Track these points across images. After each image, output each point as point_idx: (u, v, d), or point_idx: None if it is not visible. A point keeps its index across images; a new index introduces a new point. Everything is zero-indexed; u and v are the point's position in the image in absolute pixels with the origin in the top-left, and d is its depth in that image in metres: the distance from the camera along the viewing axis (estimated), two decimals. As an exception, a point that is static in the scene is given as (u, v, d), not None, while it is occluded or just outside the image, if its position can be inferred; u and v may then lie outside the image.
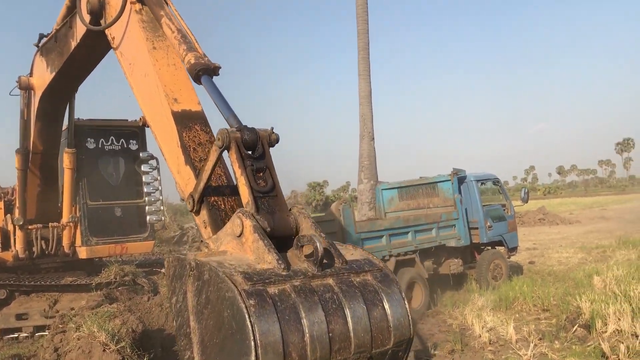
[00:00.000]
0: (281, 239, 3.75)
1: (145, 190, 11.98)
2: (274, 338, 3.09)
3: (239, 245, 3.68)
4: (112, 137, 11.99)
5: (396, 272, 11.23)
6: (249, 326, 3.04)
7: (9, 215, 11.81)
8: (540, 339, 8.72)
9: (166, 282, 4.41)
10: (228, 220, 4.07)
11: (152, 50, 5.28)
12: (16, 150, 10.89)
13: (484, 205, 13.79)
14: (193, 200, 4.34)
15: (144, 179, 11.98)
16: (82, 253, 11.69)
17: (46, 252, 11.69)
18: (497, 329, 9.56)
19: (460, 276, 13.46)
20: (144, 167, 11.92)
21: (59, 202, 11.72)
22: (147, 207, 12.01)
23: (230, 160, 3.96)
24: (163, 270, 11.90)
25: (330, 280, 3.48)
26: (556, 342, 8.60)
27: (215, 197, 4.45)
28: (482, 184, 14.34)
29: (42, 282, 11.33)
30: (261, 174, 3.92)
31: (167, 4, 5.31)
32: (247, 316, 3.05)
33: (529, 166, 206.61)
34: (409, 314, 3.65)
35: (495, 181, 14.98)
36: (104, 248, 11.78)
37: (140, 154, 12.07)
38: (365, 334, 3.42)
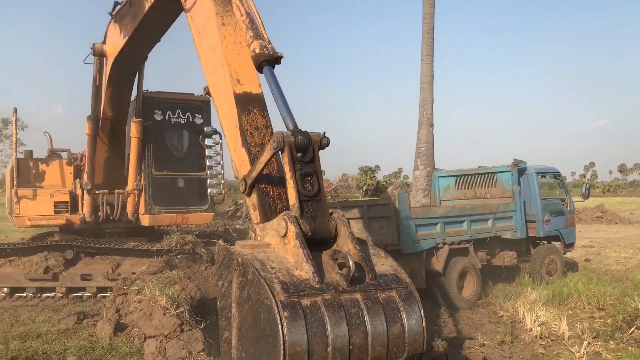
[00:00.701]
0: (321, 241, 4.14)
1: (207, 163, 12.31)
2: (301, 348, 3.49)
3: (282, 244, 4.07)
4: (178, 110, 12.36)
5: (449, 261, 11.22)
6: (281, 336, 3.45)
7: (77, 179, 12.38)
8: (594, 337, 8.57)
9: (215, 266, 4.75)
10: (275, 206, 4.60)
11: (221, 26, 5.51)
12: (87, 117, 11.42)
13: (542, 199, 13.55)
14: (245, 183, 4.74)
15: (206, 153, 12.29)
16: (145, 220, 12.15)
17: (111, 217, 12.23)
18: (549, 324, 9.45)
19: (513, 269, 13.29)
20: (207, 141, 12.22)
21: (125, 170, 12.20)
22: (208, 180, 12.35)
23: (282, 161, 4.28)
24: (220, 241, 12.27)
25: (358, 296, 3.83)
26: (611, 342, 8.44)
27: (265, 184, 4.81)
28: (542, 176, 14.06)
29: (106, 246, 11.84)
30: (309, 178, 4.25)
31: None
32: (280, 327, 3.46)
33: (589, 162, 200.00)
34: (425, 331, 3.96)
35: (556, 175, 14.67)
36: (166, 217, 12.22)
37: (205, 128, 12.39)
38: (381, 348, 3.79)
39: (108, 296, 10.56)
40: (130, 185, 12.07)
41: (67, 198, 12.17)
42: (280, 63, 5.04)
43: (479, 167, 14.43)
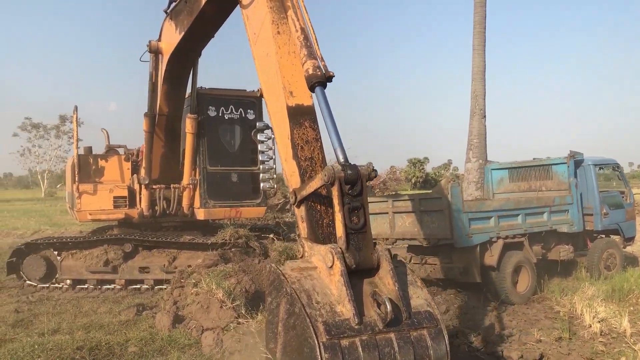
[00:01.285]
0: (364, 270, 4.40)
1: (260, 158, 12.51)
2: None
3: (327, 272, 4.35)
4: (231, 106, 12.57)
5: (503, 255, 11.05)
6: None
7: (135, 175, 12.74)
8: (657, 335, 8.32)
9: (266, 284, 5.02)
10: (322, 220, 4.90)
11: (277, 35, 5.61)
12: (144, 114, 11.74)
13: (600, 191, 13.17)
14: (295, 196, 4.96)
15: (259, 148, 12.50)
16: (200, 214, 12.43)
17: (167, 211, 12.56)
18: (609, 320, 9.20)
19: (570, 263, 12.97)
20: (259, 137, 12.43)
21: (180, 165, 12.50)
22: (260, 175, 12.55)
23: (332, 194, 4.48)
24: (271, 235, 12.43)
25: (392, 335, 4.12)
26: (676, 339, 8.18)
27: (313, 199, 4.99)
28: (600, 168, 13.68)
29: (163, 239, 12.17)
30: (356, 211, 4.44)
31: None
32: None
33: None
34: None
35: (615, 166, 14.23)
36: (220, 211, 12.47)
37: (257, 124, 12.60)
38: None
39: (165, 288, 10.86)
40: (185, 180, 12.36)
41: (125, 193, 12.56)
42: (331, 81, 5.18)
43: (534, 159, 14.13)
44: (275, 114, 5.65)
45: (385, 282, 4.37)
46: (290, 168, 5.29)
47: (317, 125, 5.35)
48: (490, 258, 10.95)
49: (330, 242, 4.62)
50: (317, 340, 3.87)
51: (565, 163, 12.93)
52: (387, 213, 11.75)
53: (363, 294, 4.29)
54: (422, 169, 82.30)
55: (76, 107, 12.51)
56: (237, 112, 12.65)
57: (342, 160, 4.59)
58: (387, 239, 11.87)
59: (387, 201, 11.97)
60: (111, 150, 13.68)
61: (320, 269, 4.45)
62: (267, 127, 12.07)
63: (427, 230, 11.00)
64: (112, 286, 12.13)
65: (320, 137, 5.27)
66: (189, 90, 11.88)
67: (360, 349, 3.96)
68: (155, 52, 10.91)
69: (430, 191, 11.21)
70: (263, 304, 8.85)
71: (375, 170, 4.60)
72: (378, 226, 12.07)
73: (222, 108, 12.53)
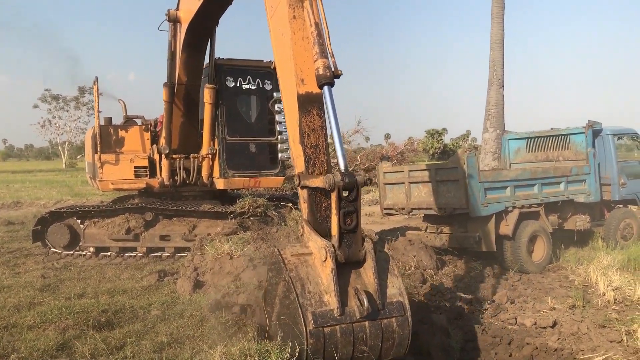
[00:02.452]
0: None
1: (277, 128, 12.62)
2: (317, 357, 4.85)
3: (320, 264, 5.13)
4: (249, 76, 12.62)
5: (519, 224, 11.12)
6: (305, 356, 4.81)
7: (154, 145, 12.93)
8: (671, 303, 8.39)
9: (268, 263, 5.70)
10: (321, 204, 5.46)
11: (292, 19, 5.79)
12: (164, 84, 11.89)
13: (619, 161, 13.11)
14: (299, 179, 5.56)
15: (276, 118, 12.60)
16: (220, 184, 12.62)
17: (187, 181, 12.76)
18: (623, 288, 9.27)
19: (586, 233, 13.01)
20: (277, 107, 12.51)
21: (199, 135, 12.66)
22: (279, 145, 12.67)
23: (330, 199, 5.17)
24: (289, 204, 12.60)
25: (366, 323, 5.02)
26: (689, 308, 8.25)
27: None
28: (619, 138, 13.57)
29: (183, 208, 12.41)
30: (350, 214, 5.15)
31: None
32: (305, 349, 4.79)
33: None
34: (408, 345, 5.25)
35: (634, 136, 14.09)
36: (239, 181, 12.63)
37: (274, 94, 12.66)
38: (375, 356, 5.09)
39: (185, 256, 11.12)
40: (204, 150, 12.51)
41: (146, 163, 12.76)
42: (338, 78, 5.58)
43: (551, 129, 14.05)
44: (286, 98, 6.02)
45: (368, 274, 5.20)
46: (297, 151, 5.78)
47: (324, 113, 5.69)
48: (506, 227, 11.03)
49: (326, 224, 5.36)
50: (305, 328, 4.79)
51: (583, 133, 12.87)
52: (404, 183, 11.85)
53: (349, 283, 5.15)
54: (440, 139, 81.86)
55: (97, 79, 12.66)
56: (254, 82, 12.71)
57: (342, 168, 5.20)
58: (403, 209, 11.98)
59: (403, 171, 12.05)
60: (129, 120, 13.83)
61: (315, 255, 5.23)
62: (285, 97, 12.13)
63: (442, 200, 11.09)
64: (134, 254, 12.42)
65: (325, 126, 5.68)
66: (207, 60, 11.98)
67: (339, 334, 4.90)
68: (174, 20, 11.06)
69: (447, 161, 11.25)
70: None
71: (370, 179, 5.23)
72: (394, 196, 12.19)
73: (240, 79, 12.59)
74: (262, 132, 12.90)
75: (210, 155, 12.52)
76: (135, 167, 12.71)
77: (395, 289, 5.31)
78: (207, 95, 12.01)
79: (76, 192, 29.58)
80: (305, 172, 5.56)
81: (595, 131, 12.95)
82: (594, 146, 12.83)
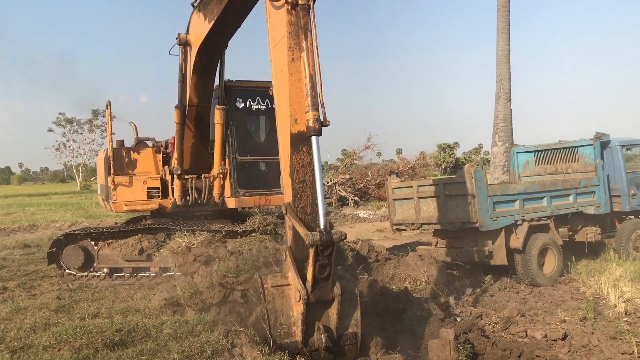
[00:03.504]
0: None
1: (286, 147, 12.72)
2: None
3: (294, 297, 6.13)
4: (258, 97, 12.81)
5: (529, 237, 11.16)
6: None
7: (166, 166, 13.11)
8: (682, 314, 8.36)
9: (256, 285, 6.53)
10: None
11: (291, 62, 6.23)
12: (175, 106, 12.10)
13: (628, 172, 13.11)
14: (287, 209, 6.25)
15: (285, 137, 12.70)
16: (231, 203, 12.75)
17: (198, 201, 12.90)
18: (634, 300, 9.25)
19: (597, 245, 13.00)
20: (285, 126, 12.63)
21: (210, 156, 12.83)
22: (288, 163, 12.76)
23: (309, 253, 5.85)
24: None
25: (322, 354, 6.15)
26: (700, 318, 8.22)
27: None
28: (627, 149, 13.60)
29: (195, 228, 12.52)
30: (325, 266, 5.93)
31: (310, 32, 6.13)
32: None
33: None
34: None
35: (643, 147, 14.12)
36: (250, 199, 12.76)
37: (283, 114, 12.81)
38: None
39: (198, 275, 11.19)
40: (215, 170, 12.66)
41: (158, 184, 12.92)
42: (327, 127, 6.14)
43: (559, 141, 14.11)
44: (280, 131, 6.63)
45: (332, 313, 6.20)
46: (286, 182, 6.42)
47: (312, 151, 6.15)
48: (516, 241, 11.06)
49: (306, 252, 6.00)
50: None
51: (591, 145, 12.91)
52: (412, 198, 11.93)
53: (317, 317, 6.15)
54: (452, 154, 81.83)
55: (109, 102, 12.90)
56: (263, 102, 12.90)
57: (322, 226, 5.85)
58: (412, 224, 12.05)
59: (412, 186, 12.14)
60: (140, 142, 14.03)
61: (293, 286, 6.15)
62: (292, 116, 12.28)
63: (452, 215, 11.15)
64: (147, 274, 12.54)
65: (314, 162, 6.10)
66: (217, 82, 12.19)
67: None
68: (184, 44, 11.29)
69: (455, 176, 11.33)
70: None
71: (345, 235, 6.03)
72: (404, 211, 12.26)
73: (249, 100, 12.78)
74: (272, 151, 12.98)
75: (221, 175, 12.67)
76: (148, 188, 12.87)
77: (353, 320, 6.37)
78: (217, 116, 12.19)
79: (90, 213, 29.88)
80: (292, 204, 6.22)
81: (603, 143, 12.99)
82: (602, 158, 12.86)
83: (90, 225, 21.19)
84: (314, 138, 6.03)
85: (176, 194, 12.64)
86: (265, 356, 5.79)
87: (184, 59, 11.53)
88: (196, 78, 11.41)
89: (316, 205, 6.16)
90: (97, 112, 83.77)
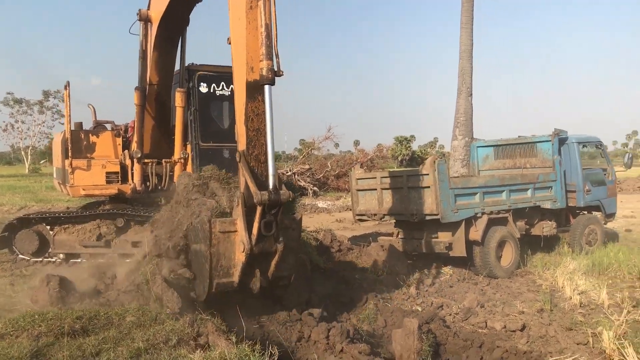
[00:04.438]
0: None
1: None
2: None
3: (239, 246, 6.42)
4: (222, 82, 12.61)
5: (488, 230, 11.37)
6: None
7: (126, 150, 12.80)
8: (634, 306, 8.64)
9: (200, 221, 6.67)
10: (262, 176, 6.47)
11: (249, 10, 6.30)
12: (135, 88, 11.85)
13: (584, 169, 13.50)
14: (239, 158, 6.47)
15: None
16: (194, 190, 12.54)
17: (159, 187, 12.66)
18: (588, 292, 9.58)
19: (552, 239, 13.35)
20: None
21: (171, 140, 12.59)
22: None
23: (256, 210, 6.17)
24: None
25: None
26: (651, 310, 8.53)
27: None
28: (583, 146, 13.98)
29: (155, 214, 12.29)
30: (270, 223, 6.28)
31: None
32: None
33: (632, 131, 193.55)
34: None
35: (598, 144, 14.54)
36: None
37: (248, 100, 12.66)
38: None
39: (158, 262, 11.00)
40: (176, 155, 12.41)
41: (117, 169, 12.59)
42: (280, 77, 6.33)
43: (519, 136, 14.41)
44: (236, 79, 6.68)
45: (272, 262, 6.65)
46: (240, 131, 6.56)
47: (265, 99, 6.30)
48: (475, 233, 11.27)
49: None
50: (208, 291, 6.50)
51: (550, 141, 13.22)
52: (376, 189, 12.00)
53: (257, 263, 6.52)
54: (409, 146, 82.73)
55: (68, 83, 12.48)
56: (228, 88, 12.71)
57: (270, 185, 6.16)
58: (375, 215, 12.13)
59: (375, 178, 12.20)
60: (99, 125, 13.65)
61: (239, 230, 6.35)
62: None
63: (414, 206, 11.27)
64: (105, 260, 12.26)
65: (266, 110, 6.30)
66: (177, 67, 11.97)
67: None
68: (145, 20, 11.22)
69: (418, 168, 11.44)
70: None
71: (293, 195, 6.36)
72: (367, 202, 12.32)
73: (214, 84, 12.57)
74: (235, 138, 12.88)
75: (182, 161, 12.45)
76: (107, 172, 12.53)
77: (289, 264, 6.96)
78: (178, 98, 11.95)
79: (40, 197, 28.98)
80: (246, 151, 6.41)
81: (561, 139, 13.32)
82: (559, 154, 13.19)
83: (44, 209, 20.58)
84: (266, 87, 6.20)
85: (136, 179, 12.36)
86: (232, 345, 5.72)
87: (145, 35, 11.40)
88: (157, 55, 11.28)
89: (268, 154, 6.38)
90: (48, 93, 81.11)
